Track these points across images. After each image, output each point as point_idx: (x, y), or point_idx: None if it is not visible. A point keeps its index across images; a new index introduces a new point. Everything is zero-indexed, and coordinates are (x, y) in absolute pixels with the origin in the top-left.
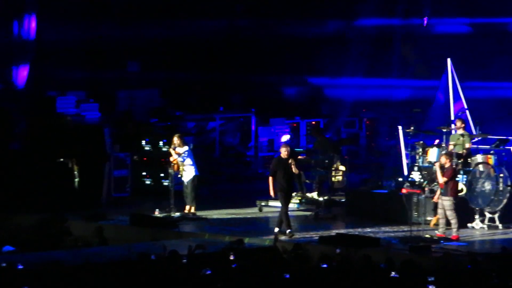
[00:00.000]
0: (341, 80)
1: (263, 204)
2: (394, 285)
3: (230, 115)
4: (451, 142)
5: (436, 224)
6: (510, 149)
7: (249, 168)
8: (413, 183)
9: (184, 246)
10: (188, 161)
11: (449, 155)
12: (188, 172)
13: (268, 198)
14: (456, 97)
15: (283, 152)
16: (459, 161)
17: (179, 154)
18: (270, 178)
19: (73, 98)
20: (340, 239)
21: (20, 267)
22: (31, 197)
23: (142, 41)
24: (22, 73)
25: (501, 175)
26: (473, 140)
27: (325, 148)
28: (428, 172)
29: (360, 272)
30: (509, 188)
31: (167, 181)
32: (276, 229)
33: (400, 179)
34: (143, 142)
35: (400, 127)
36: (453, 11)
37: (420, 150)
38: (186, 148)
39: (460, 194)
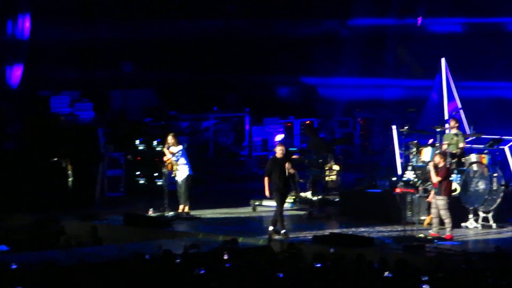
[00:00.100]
0: (335, 80)
1: (257, 203)
2: (388, 285)
3: (224, 115)
4: (445, 142)
5: (430, 224)
6: (503, 148)
7: (243, 168)
8: (407, 182)
9: (178, 246)
10: (182, 160)
11: (443, 154)
12: (181, 172)
13: (262, 197)
14: (450, 97)
15: (278, 151)
16: (453, 161)
17: (173, 154)
18: (266, 178)
19: (67, 97)
20: (334, 238)
21: (14, 266)
22: (25, 197)
23: (136, 41)
24: (16, 73)
25: (495, 174)
26: (467, 140)
27: (318, 148)
28: (422, 172)
29: (354, 271)
30: (503, 187)
31: (161, 180)
32: (271, 228)
33: (394, 178)
34: (137, 142)
35: (394, 127)
36: (447, 11)
37: (414, 149)
38: (180, 147)
39: (454, 193)
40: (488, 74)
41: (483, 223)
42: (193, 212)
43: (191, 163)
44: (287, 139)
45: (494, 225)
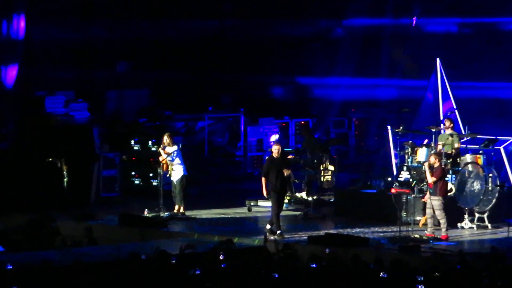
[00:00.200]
0: (330, 80)
1: (252, 204)
2: (384, 285)
3: (219, 115)
4: (440, 142)
5: (425, 224)
6: (499, 148)
7: (238, 168)
8: (402, 183)
9: (173, 246)
10: (177, 160)
11: (438, 155)
12: (177, 172)
13: (258, 198)
14: (445, 97)
15: (275, 151)
16: (448, 161)
17: (168, 154)
18: (263, 179)
19: (62, 98)
20: (329, 239)
21: (10, 267)
22: (20, 197)
23: (131, 41)
24: (11, 73)
25: (490, 174)
26: (462, 140)
27: (313, 148)
28: (417, 172)
29: (349, 272)
30: (498, 187)
31: (156, 180)
32: (268, 226)
33: (389, 179)
34: (132, 142)
35: (389, 127)
36: (442, 11)
37: (409, 150)
38: (175, 147)
39: (449, 194)
40: (483, 74)
41: (479, 223)
42: (188, 213)
43: (186, 163)
44: (282, 139)
45: (489, 226)
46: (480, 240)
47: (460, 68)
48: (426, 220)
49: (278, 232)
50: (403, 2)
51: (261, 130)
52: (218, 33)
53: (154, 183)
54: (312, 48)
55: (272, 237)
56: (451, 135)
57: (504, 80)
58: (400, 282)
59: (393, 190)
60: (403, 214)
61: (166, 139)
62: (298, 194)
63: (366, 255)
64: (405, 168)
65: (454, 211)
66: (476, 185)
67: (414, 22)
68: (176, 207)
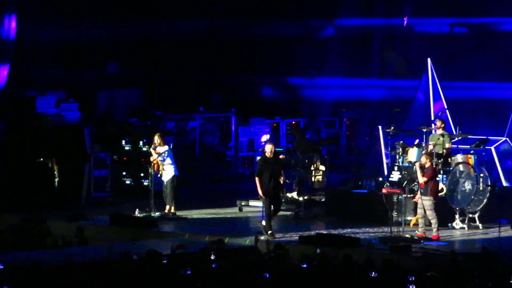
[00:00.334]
0: (321, 80)
1: (243, 204)
2: (374, 285)
3: (210, 115)
4: (431, 142)
5: (416, 224)
6: (490, 149)
7: (229, 168)
8: (393, 183)
9: (164, 246)
10: (168, 160)
11: (429, 155)
12: (167, 172)
13: (248, 198)
14: (436, 97)
15: (268, 150)
16: (439, 161)
17: (159, 154)
18: (257, 178)
19: (52, 98)
20: (320, 239)
21: (0, 267)
22: (10, 197)
23: (122, 41)
24: (2, 73)
25: (481, 175)
26: (453, 140)
27: (303, 148)
28: (408, 172)
29: (340, 272)
30: (489, 188)
31: (147, 181)
32: (263, 222)
33: (380, 179)
34: (123, 142)
35: (380, 127)
36: (433, 11)
37: (400, 150)
38: (166, 147)
39: (440, 194)
40: (474, 74)
41: (470, 223)
42: (179, 213)
43: (177, 163)
44: (273, 139)
45: (480, 226)
46: (471, 240)
47: (451, 68)
48: (417, 220)
49: (269, 232)
50: (394, 2)
51: (252, 130)
52: (209, 33)
53: (145, 183)
54: (303, 48)
55: (263, 237)
56: (442, 135)
57: (495, 80)
58: (391, 282)
59: (384, 190)
60: (394, 214)
61: (156, 139)
62: (289, 194)
63: (357, 255)
64: (396, 168)
65: (445, 211)
66: (467, 185)
67: (405, 22)
68: (167, 207)
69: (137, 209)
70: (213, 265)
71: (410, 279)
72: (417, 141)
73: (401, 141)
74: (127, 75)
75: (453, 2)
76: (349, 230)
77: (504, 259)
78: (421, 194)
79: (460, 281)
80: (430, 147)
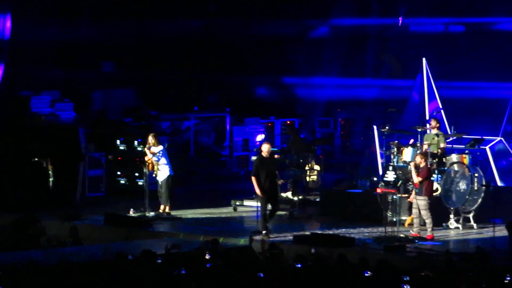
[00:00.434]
0: (316, 80)
1: (237, 203)
2: (369, 285)
3: (205, 115)
4: (425, 142)
5: (411, 224)
6: (485, 148)
7: (223, 168)
8: (387, 182)
9: (159, 246)
10: (163, 160)
11: (424, 154)
12: (162, 172)
13: (243, 197)
14: (431, 97)
15: (265, 150)
16: (434, 161)
17: (154, 154)
18: (253, 178)
19: (47, 97)
20: (315, 239)
21: None
22: (5, 197)
23: (117, 40)
24: None
25: (476, 174)
26: (448, 140)
27: (298, 147)
28: (403, 172)
29: (335, 272)
30: (483, 187)
31: (142, 180)
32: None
33: (375, 178)
34: (118, 142)
35: (375, 127)
36: (428, 11)
37: (395, 149)
38: (160, 147)
39: (435, 193)
40: (469, 74)
41: (464, 223)
42: (174, 212)
43: (172, 163)
44: (268, 139)
45: (475, 225)
46: (465, 240)
47: (446, 68)
48: (412, 220)
49: (264, 232)
50: (389, 2)
51: (247, 130)
52: (204, 33)
53: (140, 183)
54: (298, 47)
55: (257, 237)
56: (437, 135)
57: (490, 80)
58: (386, 282)
59: (378, 190)
60: (389, 214)
61: (151, 139)
62: (283, 194)
63: (351, 255)
64: (391, 168)
65: (439, 211)
66: (462, 185)
67: (400, 22)
68: (162, 207)
69: (131, 209)
70: (207, 265)
71: (405, 279)
72: (412, 141)
73: (396, 141)
74: (122, 75)
75: (448, 2)
76: (343, 230)
77: (498, 259)
78: (416, 194)
79: (455, 281)
80: (425, 146)
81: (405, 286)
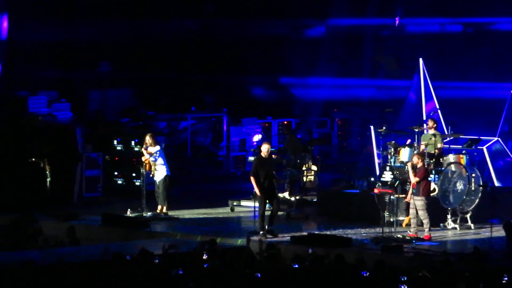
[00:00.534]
0: (312, 80)
1: (235, 204)
2: (366, 285)
3: (202, 115)
4: (423, 142)
5: (408, 224)
6: (482, 149)
7: (221, 168)
8: (385, 183)
9: (156, 246)
10: (160, 160)
11: (421, 155)
12: (159, 172)
13: (240, 198)
14: (428, 97)
15: (264, 150)
16: (431, 161)
17: (151, 154)
18: (252, 178)
19: (44, 98)
20: (312, 239)
21: None
22: (2, 197)
23: (114, 41)
24: None
25: (473, 175)
26: (445, 140)
27: (295, 148)
28: (400, 172)
29: (332, 272)
30: (481, 188)
31: (139, 181)
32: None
33: (372, 179)
34: (115, 142)
35: (372, 127)
36: (424, 11)
37: (392, 150)
38: (157, 147)
39: (432, 194)
40: (466, 74)
41: (462, 223)
42: (171, 213)
43: (169, 163)
44: (265, 139)
45: (472, 226)
46: (462, 240)
47: (443, 68)
48: (409, 220)
49: (261, 232)
50: (386, 2)
51: (244, 130)
52: (201, 33)
53: (137, 183)
54: (295, 48)
55: (255, 237)
56: (434, 135)
57: (487, 80)
58: (383, 282)
59: (376, 190)
60: (386, 214)
61: (148, 139)
62: (280, 194)
63: (349, 255)
64: (388, 168)
65: (437, 211)
66: (459, 185)
67: (397, 22)
68: (159, 207)
69: (129, 209)
70: (205, 265)
71: (402, 279)
72: (409, 141)
73: (393, 141)
74: (119, 75)
75: (445, 2)
76: (341, 230)
77: (496, 259)
78: (413, 194)
79: (452, 281)
80: (422, 147)
81: (402, 287)
